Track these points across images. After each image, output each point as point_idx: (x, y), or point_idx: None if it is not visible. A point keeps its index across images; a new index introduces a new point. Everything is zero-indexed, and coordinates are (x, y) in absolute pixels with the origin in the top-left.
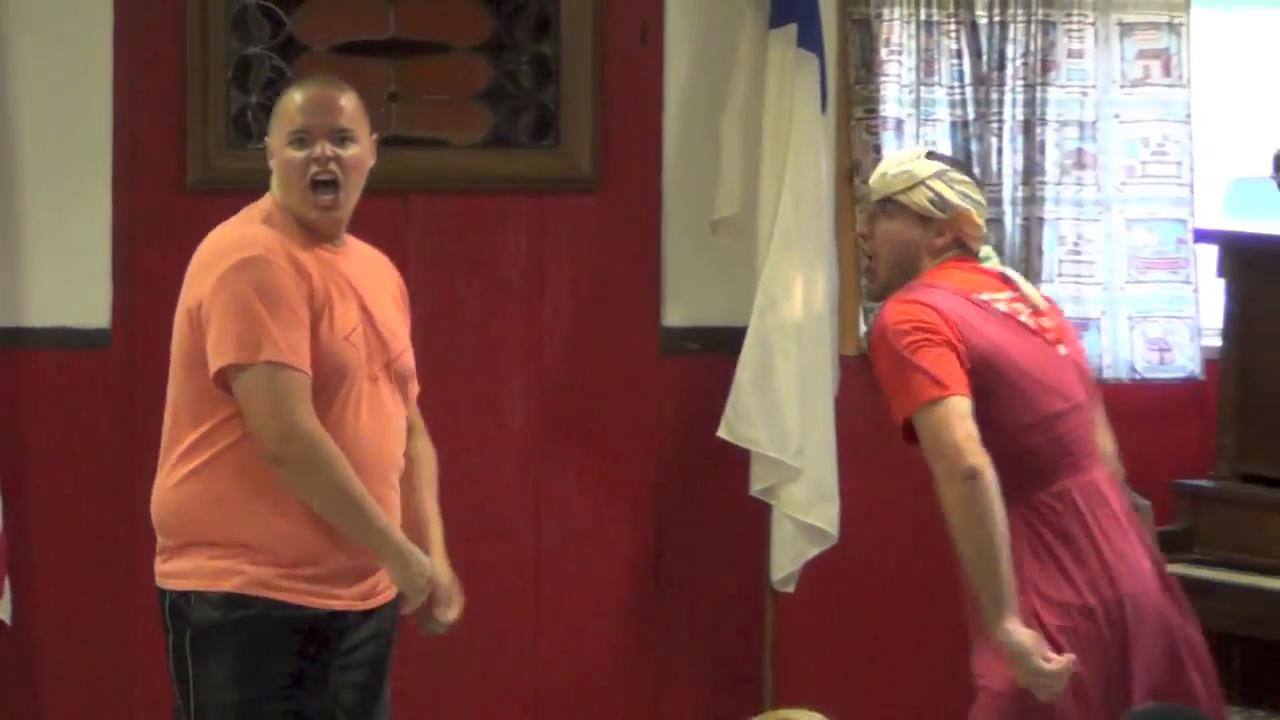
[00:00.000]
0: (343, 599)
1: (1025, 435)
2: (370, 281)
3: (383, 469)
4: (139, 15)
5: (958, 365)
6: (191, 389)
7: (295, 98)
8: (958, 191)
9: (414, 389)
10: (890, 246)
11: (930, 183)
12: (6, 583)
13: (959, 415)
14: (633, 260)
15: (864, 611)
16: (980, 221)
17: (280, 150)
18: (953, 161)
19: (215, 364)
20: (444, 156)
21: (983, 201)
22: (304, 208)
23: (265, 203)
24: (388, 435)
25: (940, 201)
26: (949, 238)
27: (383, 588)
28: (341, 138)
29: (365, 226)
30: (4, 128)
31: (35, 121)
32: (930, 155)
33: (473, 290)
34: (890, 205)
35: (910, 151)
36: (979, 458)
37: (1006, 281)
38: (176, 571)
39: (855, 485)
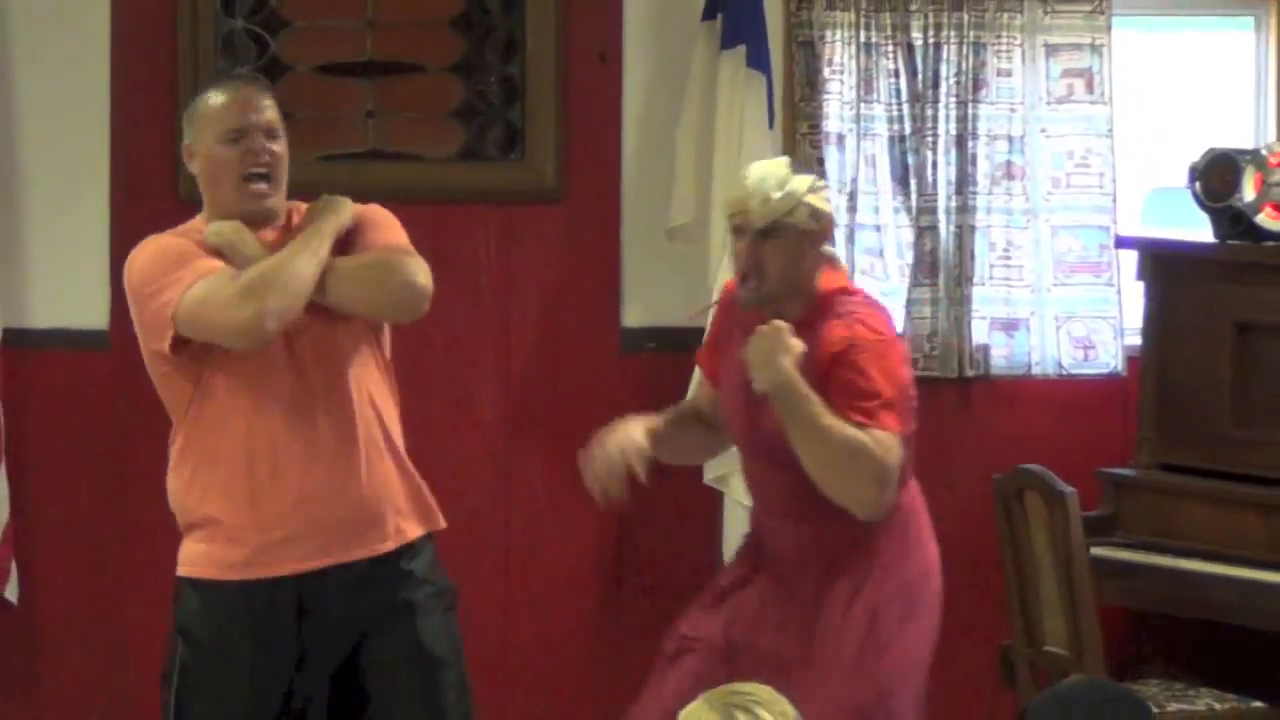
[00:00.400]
0: (305, 560)
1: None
2: None
3: (343, 428)
4: (134, 37)
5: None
6: (163, 393)
7: (220, 99)
8: (823, 198)
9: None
10: (781, 263)
11: (807, 199)
12: (13, 567)
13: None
14: (594, 265)
15: None
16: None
17: (211, 148)
18: (810, 170)
19: (167, 331)
20: (419, 169)
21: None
22: (240, 199)
23: (192, 224)
24: (326, 382)
25: (815, 213)
26: (821, 243)
27: (371, 540)
28: (271, 134)
29: None
30: (7, 142)
31: (38, 136)
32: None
33: (446, 293)
34: (776, 228)
35: (777, 167)
36: None
37: None
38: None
39: None
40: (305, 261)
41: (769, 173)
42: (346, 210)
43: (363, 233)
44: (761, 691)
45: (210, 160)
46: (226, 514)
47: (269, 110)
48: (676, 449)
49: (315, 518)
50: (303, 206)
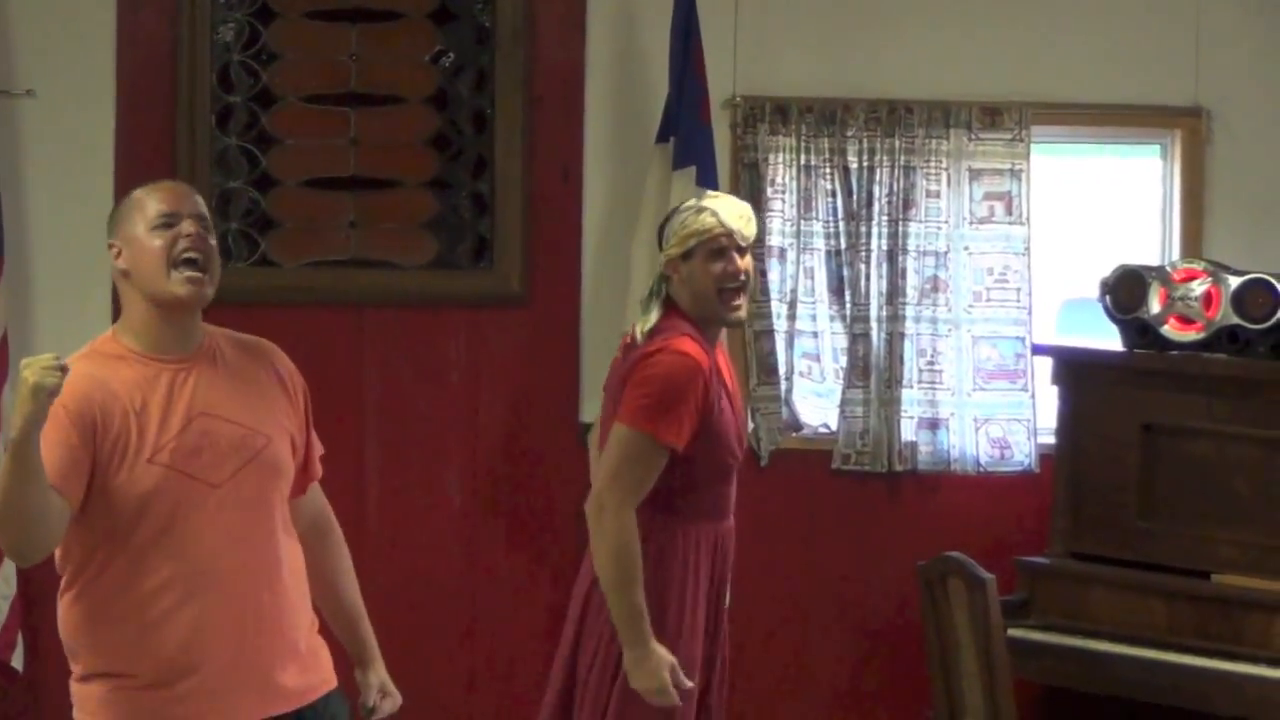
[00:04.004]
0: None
1: None
2: (226, 383)
3: (250, 573)
4: (136, 152)
5: None
6: None
7: (148, 194)
8: None
9: (313, 472)
10: (749, 278)
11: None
12: (19, 636)
13: None
14: (555, 365)
15: (777, 651)
16: None
17: (141, 238)
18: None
19: None
20: (395, 276)
21: None
22: (172, 285)
23: (107, 332)
24: (249, 537)
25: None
26: None
27: (278, 696)
28: (205, 224)
29: (325, 336)
30: (21, 248)
31: (48, 243)
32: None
33: (418, 390)
34: (751, 245)
35: (734, 198)
36: None
37: None
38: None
39: (742, 557)
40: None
41: (734, 201)
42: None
43: (306, 430)
44: None
45: (139, 250)
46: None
47: (201, 204)
48: None
49: (228, 676)
50: (227, 332)
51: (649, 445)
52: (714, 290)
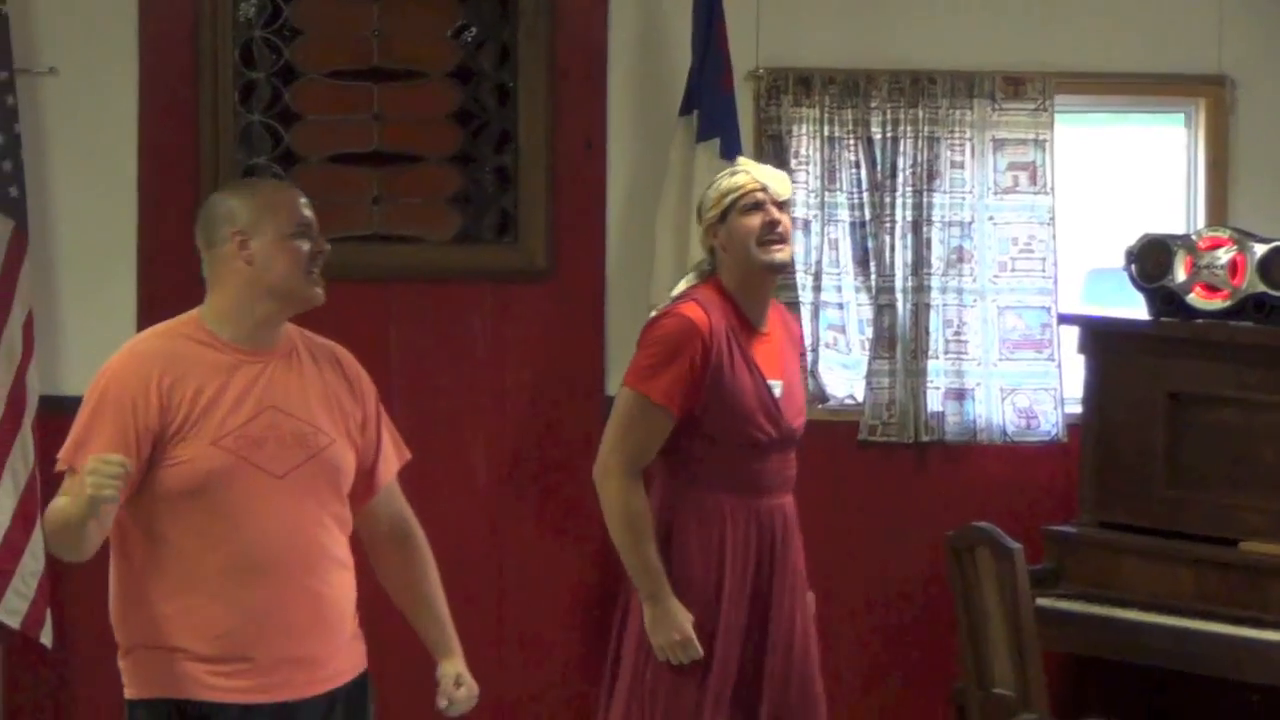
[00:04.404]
0: (230, 691)
1: None
2: (298, 382)
3: (295, 560)
4: (160, 131)
5: None
6: None
7: (289, 194)
8: None
9: (380, 477)
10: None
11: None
12: (48, 614)
13: None
14: (580, 339)
15: None
16: None
17: (285, 239)
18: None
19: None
20: (420, 251)
21: None
22: (309, 287)
23: (190, 314)
24: (303, 529)
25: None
26: None
27: (303, 680)
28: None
29: (349, 312)
30: (45, 226)
31: (73, 221)
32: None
33: (444, 364)
34: (789, 201)
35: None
36: None
37: None
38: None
39: None
40: (57, 534)
41: (760, 163)
42: (89, 512)
43: (376, 432)
44: None
45: (276, 248)
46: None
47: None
48: None
49: (274, 654)
50: (301, 331)
51: (645, 406)
52: (753, 242)
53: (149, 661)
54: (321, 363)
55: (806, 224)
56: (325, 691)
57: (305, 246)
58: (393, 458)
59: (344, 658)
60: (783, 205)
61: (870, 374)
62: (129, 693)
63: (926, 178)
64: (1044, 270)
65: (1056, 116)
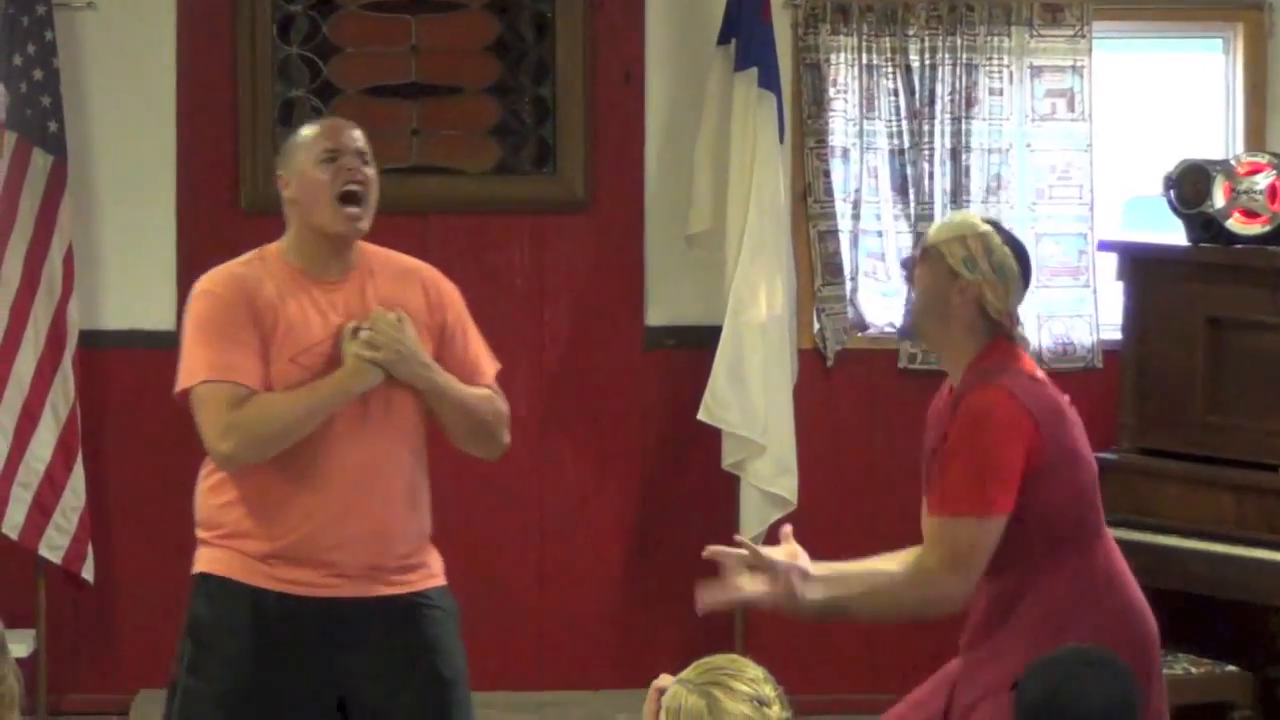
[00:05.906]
0: (320, 586)
1: None
2: (371, 307)
3: (369, 481)
4: (198, 63)
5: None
6: None
7: (315, 129)
8: (993, 261)
9: (476, 374)
10: (922, 294)
11: (969, 240)
12: (90, 549)
13: (992, 539)
14: (619, 269)
15: (844, 552)
16: (1003, 297)
17: (307, 171)
18: (1005, 234)
19: (184, 386)
20: (458, 183)
21: (1017, 279)
22: (333, 222)
23: (272, 245)
24: (373, 447)
25: (970, 260)
26: (969, 299)
27: (383, 582)
28: (364, 159)
29: (388, 243)
30: (85, 159)
31: (111, 154)
32: (988, 221)
33: (483, 296)
34: (931, 252)
35: (971, 214)
36: None
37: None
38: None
39: (810, 459)
40: (295, 421)
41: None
42: (367, 380)
43: (463, 338)
44: (735, 663)
45: (304, 182)
46: (260, 530)
47: (361, 139)
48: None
49: (347, 550)
50: (384, 255)
51: None
52: None
53: (222, 547)
54: (399, 284)
55: (845, 152)
56: (396, 594)
57: (324, 176)
58: (484, 359)
59: (410, 571)
60: (924, 253)
61: (908, 301)
62: (199, 568)
63: (965, 105)
64: (1081, 197)
65: (1094, 43)
